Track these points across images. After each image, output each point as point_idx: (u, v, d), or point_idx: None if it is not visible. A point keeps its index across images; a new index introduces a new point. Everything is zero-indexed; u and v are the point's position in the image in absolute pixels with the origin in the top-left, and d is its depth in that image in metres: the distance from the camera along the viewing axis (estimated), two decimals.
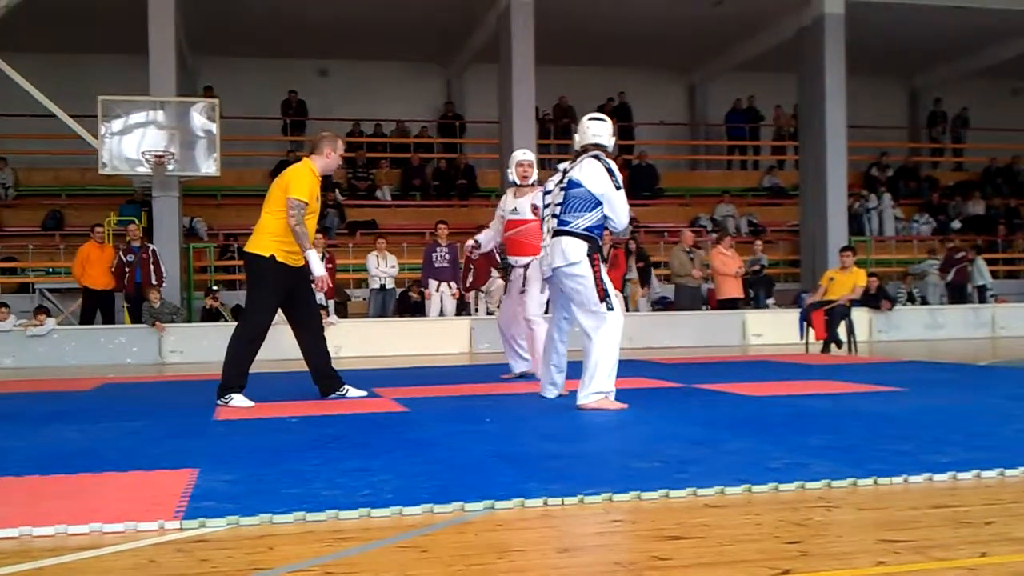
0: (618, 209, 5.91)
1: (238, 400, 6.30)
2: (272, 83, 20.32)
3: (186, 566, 2.59)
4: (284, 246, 6.32)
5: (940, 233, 20.39)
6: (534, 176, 7.89)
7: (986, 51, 21.08)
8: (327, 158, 6.51)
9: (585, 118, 6.23)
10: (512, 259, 7.94)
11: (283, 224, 6.28)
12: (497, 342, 8.92)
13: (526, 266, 7.69)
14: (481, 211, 18.27)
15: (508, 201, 7.97)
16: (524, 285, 7.74)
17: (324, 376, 6.74)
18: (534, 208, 7.45)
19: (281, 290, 6.43)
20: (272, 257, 6.32)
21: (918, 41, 20.39)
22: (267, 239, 6.34)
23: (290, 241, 6.29)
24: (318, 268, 6.36)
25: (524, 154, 8.03)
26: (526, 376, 7.96)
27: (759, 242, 17.51)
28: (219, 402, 6.31)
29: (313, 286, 6.57)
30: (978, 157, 23.83)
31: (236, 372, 6.36)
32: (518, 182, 7.89)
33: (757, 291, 16.65)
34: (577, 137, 6.16)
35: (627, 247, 15.79)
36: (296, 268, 6.40)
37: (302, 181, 6.29)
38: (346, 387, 6.74)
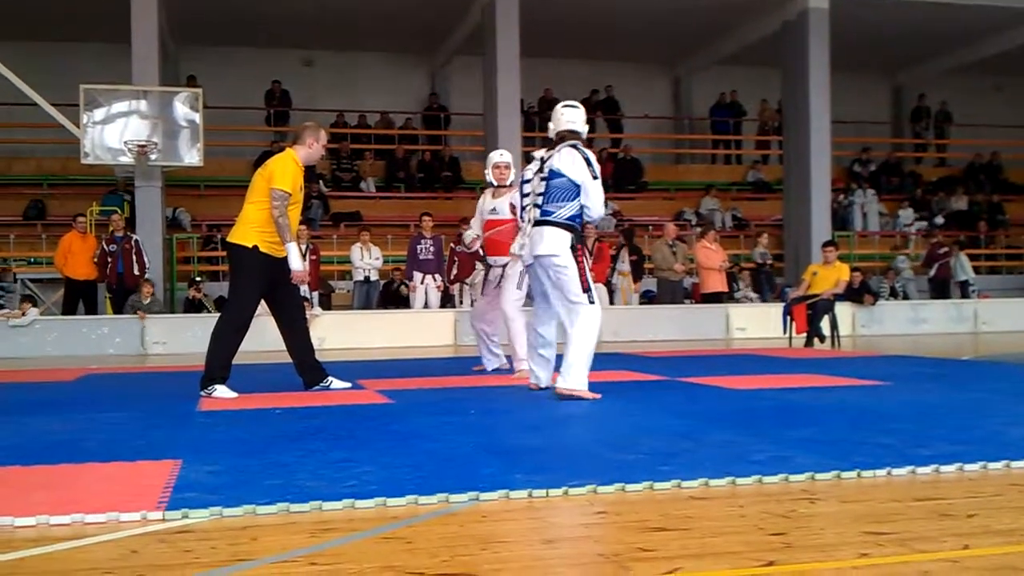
0: (594, 198, 5.99)
1: (221, 391, 6.28)
2: (256, 73, 20.20)
3: (169, 557, 2.58)
4: (267, 236, 6.30)
5: (925, 228, 20.51)
6: (511, 177, 7.81)
7: (969, 47, 21.16)
8: (310, 148, 6.50)
9: (559, 105, 6.27)
10: (491, 259, 7.90)
11: (266, 215, 6.26)
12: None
13: (504, 266, 7.66)
14: (466, 203, 18.24)
15: (487, 201, 7.91)
16: (501, 282, 7.71)
17: (308, 368, 6.72)
18: (512, 208, 7.46)
19: (263, 280, 6.42)
20: (255, 248, 6.29)
21: (902, 36, 20.45)
22: (250, 229, 6.32)
23: (273, 232, 6.29)
24: (296, 262, 6.33)
25: (501, 155, 7.94)
26: (500, 371, 8.02)
27: (765, 236, 17.48)
28: (202, 393, 6.30)
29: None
30: (961, 153, 23.96)
31: (220, 363, 6.35)
32: (495, 183, 7.83)
33: (762, 285, 16.64)
34: (551, 124, 6.21)
35: (621, 239, 15.81)
36: (279, 259, 6.37)
37: (286, 172, 6.27)
38: (330, 378, 6.72)
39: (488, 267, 7.98)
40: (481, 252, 8.08)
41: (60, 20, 17.80)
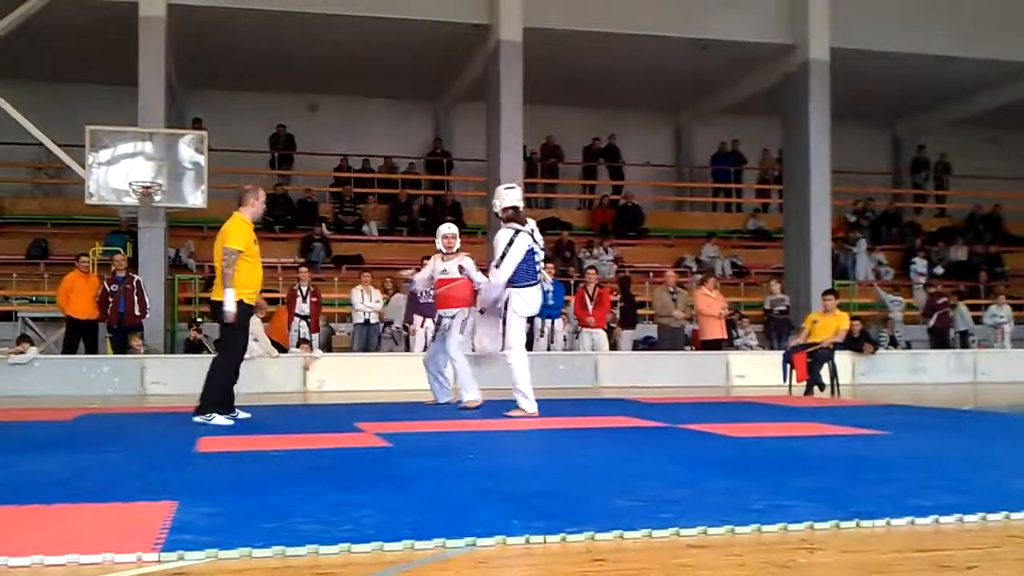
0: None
1: (219, 419, 7.03)
2: (261, 117, 20.37)
3: None
4: (245, 291, 7.33)
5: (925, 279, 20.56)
6: (457, 244, 9.30)
7: (969, 100, 21.36)
8: (254, 207, 7.57)
9: (502, 188, 8.36)
10: (442, 311, 9.33)
11: (232, 271, 7.19)
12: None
13: (453, 316, 9.10)
14: (467, 248, 18.21)
15: (438, 264, 9.33)
16: (448, 330, 9.11)
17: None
18: (460, 268, 9.12)
19: (247, 324, 7.57)
20: (240, 301, 7.27)
21: (901, 89, 20.65)
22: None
23: (246, 284, 7.30)
24: (230, 305, 7.21)
25: (448, 228, 9.50)
26: (451, 403, 9.41)
27: (775, 281, 17.42)
28: (197, 419, 6.99)
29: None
30: (961, 204, 24.07)
31: (217, 396, 7.13)
32: (444, 250, 9.26)
33: (781, 333, 16.53)
34: (517, 203, 8.21)
35: (621, 284, 15.84)
36: (250, 305, 7.46)
37: (239, 232, 7.31)
38: (215, 415, 7.17)
39: (439, 318, 9.36)
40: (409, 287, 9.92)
41: (67, 61, 17.98)
